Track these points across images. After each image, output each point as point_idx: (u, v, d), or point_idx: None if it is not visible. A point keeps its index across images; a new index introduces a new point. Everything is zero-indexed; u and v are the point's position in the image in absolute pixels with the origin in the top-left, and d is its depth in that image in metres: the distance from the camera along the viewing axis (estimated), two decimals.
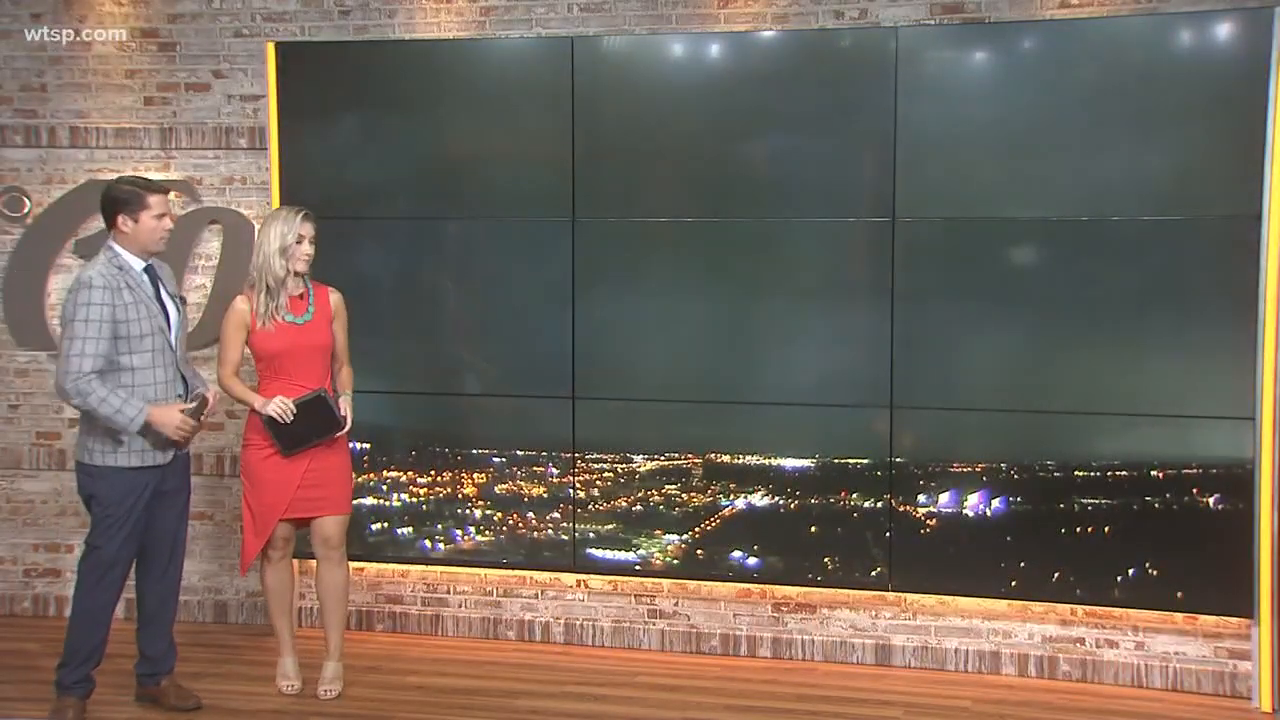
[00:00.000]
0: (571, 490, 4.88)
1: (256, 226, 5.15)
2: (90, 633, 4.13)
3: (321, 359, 4.32)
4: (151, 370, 4.05)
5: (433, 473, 4.99)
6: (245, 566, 4.45)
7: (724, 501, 4.76)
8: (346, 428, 4.30)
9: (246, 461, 4.34)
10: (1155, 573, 4.40)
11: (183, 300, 4.24)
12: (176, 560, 4.29)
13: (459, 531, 4.99)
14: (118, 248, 4.08)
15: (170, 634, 4.33)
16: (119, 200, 4.06)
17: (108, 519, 4.07)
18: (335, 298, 4.38)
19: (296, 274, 4.27)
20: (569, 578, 5.03)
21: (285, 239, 4.23)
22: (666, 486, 4.80)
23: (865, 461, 4.63)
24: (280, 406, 4.19)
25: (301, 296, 4.30)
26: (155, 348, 4.05)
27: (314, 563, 4.53)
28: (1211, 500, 4.35)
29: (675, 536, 4.81)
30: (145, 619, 4.30)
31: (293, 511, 4.31)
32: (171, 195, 5.17)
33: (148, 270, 4.11)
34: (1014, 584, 4.54)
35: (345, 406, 4.32)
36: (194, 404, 4.09)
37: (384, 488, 5.01)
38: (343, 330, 4.39)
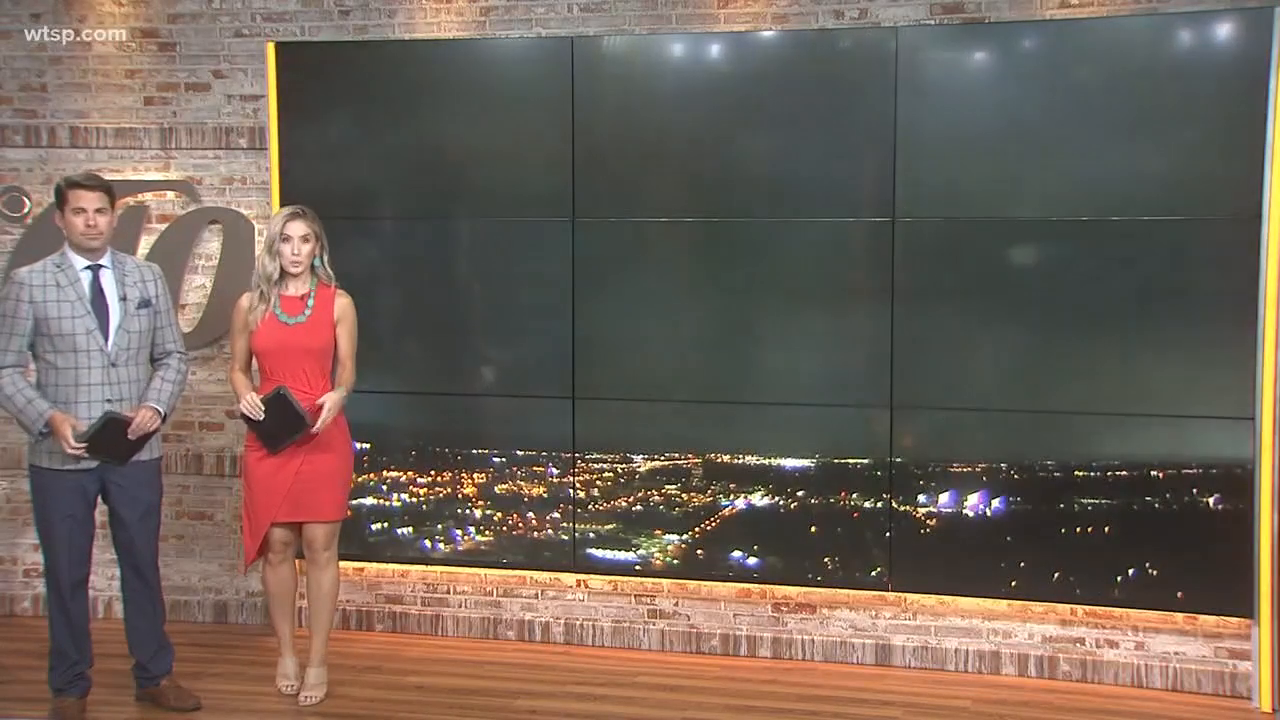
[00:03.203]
0: (571, 490, 4.88)
1: (257, 226, 5.17)
2: (68, 636, 4.13)
3: (313, 361, 4.28)
4: (74, 370, 4.02)
5: (433, 473, 4.99)
6: (245, 567, 4.48)
7: (724, 501, 4.76)
8: (314, 426, 4.17)
9: (245, 464, 4.34)
10: (1155, 573, 4.40)
11: (144, 304, 4.14)
12: (147, 569, 4.25)
13: (459, 531, 4.99)
14: (66, 246, 4.12)
15: (159, 639, 4.32)
16: (54, 195, 4.13)
17: (40, 521, 4.11)
18: (342, 301, 4.35)
19: (292, 274, 4.26)
20: (569, 578, 5.03)
21: (270, 237, 4.26)
22: (666, 486, 4.80)
23: (865, 461, 4.63)
24: (249, 404, 4.17)
25: (302, 297, 4.30)
26: (80, 348, 4.03)
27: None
28: (1211, 500, 4.35)
29: (675, 536, 4.81)
30: (131, 624, 4.30)
31: (286, 515, 4.29)
32: (169, 195, 5.23)
33: (91, 269, 4.09)
34: (1014, 584, 4.54)
35: (330, 401, 4.18)
36: (92, 425, 3.99)
37: (384, 488, 5.01)
38: (347, 334, 4.35)
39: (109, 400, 4.05)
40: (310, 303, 4.29)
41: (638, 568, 4.87)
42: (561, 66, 4.77)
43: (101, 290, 4.10)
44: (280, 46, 5.01)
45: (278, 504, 4.27)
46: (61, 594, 4.12)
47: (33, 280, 4.03)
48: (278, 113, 4.99)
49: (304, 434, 4.20)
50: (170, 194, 5.25)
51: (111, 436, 4.02)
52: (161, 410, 4.15)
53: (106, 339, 4.07)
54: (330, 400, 4.21)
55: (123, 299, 4.11)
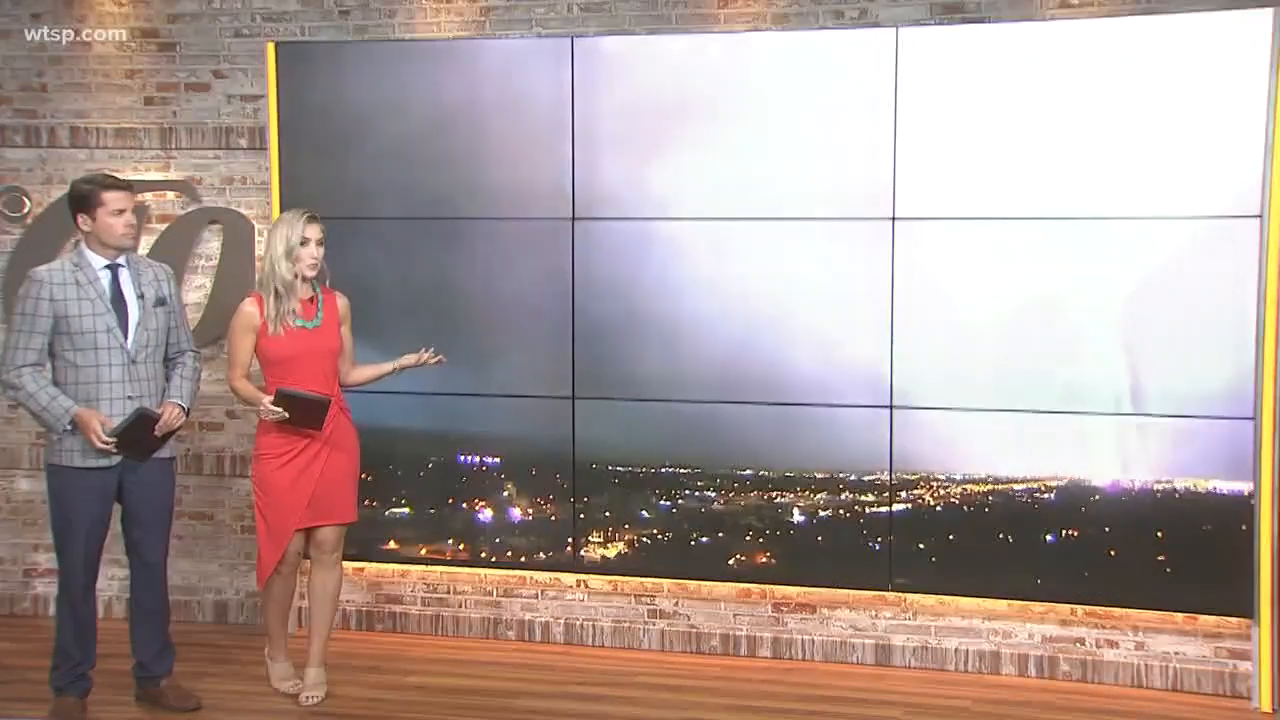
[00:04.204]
0: (571, 490, 4.88)
1: (257, 226, 5.16)
2: (72, 635, 4.13)
3: (330, 363, 4.30)
4: (95, 369, 4.03)
5: (433, 473, 4.98)
6: (262, 580, 4.35)
7: (724, 501, 4.76)
8: (329, 398, 4.20)
9: (260, 473, 4.28)
10: (1155, 573, 4.40)
11: (160, 302, 4.18)
12: (157, 569, 4.25)
13: (459, 531, 4.99)
14: (83, 246, 4.11)
15: (163, 639, 4.32)
16: (78, 198, 4.09)
17: (59, 520, 4.09)
18: (343, 302, 4.38)
19: (304, 278, 4.26)
20: (569, 578, 5.03)
21: (290, 242, 4.21)
22: (667, 486, 4.80)
23: (865, 461, 4.63)
24: (268, 410, 4.16)
25: (311, 300, 4.29)
26: (100, 346, 4.03)
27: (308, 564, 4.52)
28: (1211, 500, 4.34)
29: (676, 536, 4.81)
30: (135, 623, 4.30)
31: (305, 521, 4.28)
32: (169, 195, 5.24)
33: (110, 269, 4.09)
34: (1014, 584, 4.54)
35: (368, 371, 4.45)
36: (121, 422, 4.02)
37: (385, 488, 5.00)
38: (349, 333, 4.39)
39: (130, 397, 4.07)
40: (320, 305, 4.30)
41: (638, 567, 4.87)
42: (561, 66, 4.77)
43: (120, 289, 4.11)
44: (280, 46, 5.00)
45: (301, 511, 4.26)
46: (73, 594, 4.12)
47: (52, 279, 4.04)
48: (278, 113, 4.98)
49: (328, 407, 4.18)
50: (170, 194, 5.25)
51: (139, 433, 4.05)
52: (186, 407, 4.19)
53: (126, 337, 4.08)
54: (376, 372, 4.44)
55: (141, 297, 4.13)
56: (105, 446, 3.99)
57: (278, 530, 4.26)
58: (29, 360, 4.02)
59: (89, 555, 4.11)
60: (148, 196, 5.24)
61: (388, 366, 4.44)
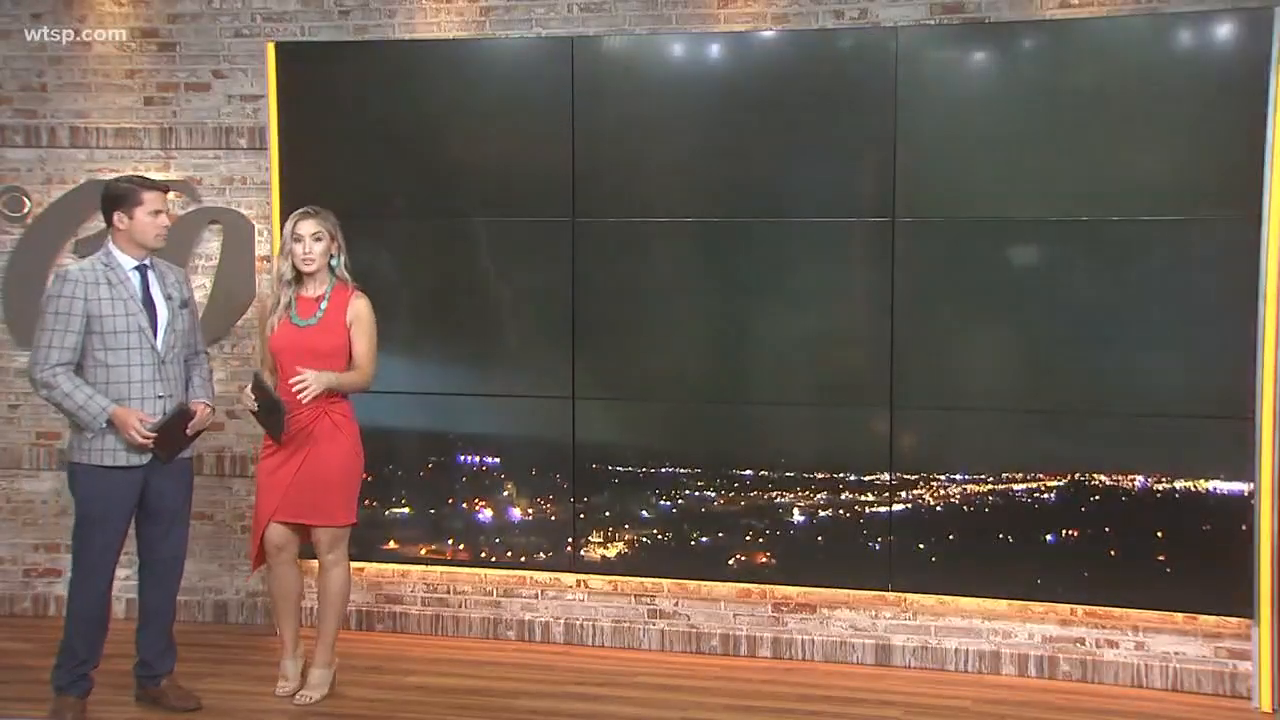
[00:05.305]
0: (571, 490, 4.88)
1: (257, 226, 5.17)
2: (82, 634, 4.12)
3: (322, 363, 4.22)
4: (126, 368, 4.04)
5: (433, 473, 4.98)
6: (252, 567, 4.50)
7: (724, 501, 4.76)
8: (304, 396, 4.11)
9: (258, 462, 4.40)
10: (1155, 573, 4.40)
11: (184, 304, 4.21)
12: (174, 567, 4.27)
13: (459, 531, 4.99)
14: (111, 245, 4.12)
15: (168, 638, 4.32)
16: (115, 197, 4.10)
17: (85, 519, 4.09)
18: (358, 304, 4.31)
19: (307, 273, 4.26)
20: (569, 578, 5.03)
21: (285, 238, 4.28)
22: (667, 487, 4.80)
23: (865, 461, 4.63)
24: (245, 398, 4.22)
25: (317, 299, 4.29)
26: (132, 346, 4.04)
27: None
28: (1211, 500, 4.34)
29: (675, 536, 4.81)
30: (142, 622, 4.30)
31: (286, 514, 4.29)
32: (173, 195, 5.23)
33: (139, 269, 4.11)
34: (1014, 584, 4.54)
35: (308, 374, 4.10)
36: (162, 417, 4.05)
37: (384, 488, 5.01)
38: (362, 336, 4.29)
39: (160, 397, 4.09)
40: (324, 305, 4.28)
41: (638, 567, 4.87)
42: (561, 66, 4.77)
43: (149, 290, 4.13)
44: (280, 46, 5.00)
45: (276, 501, 4.27)
46: (92, 594, 4.11)
47: (85, 278, 4.04)
48: (278, 113, 4.99)
49: (284, 414, 4.14)
50: (170, 194, 5.24)
51: (174, 430, 4.07)
52: (212, 406, 4.27)
53: (156, 337, 4.10)
54: (308, 373, 4.12)
55: (168, 298, 4.16)
56: (146, 441, 4.01)
57: (257, 519, 4.34)
58: (63, 359, 4.00)
59: (113, 554, 4.12)
60: None
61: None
